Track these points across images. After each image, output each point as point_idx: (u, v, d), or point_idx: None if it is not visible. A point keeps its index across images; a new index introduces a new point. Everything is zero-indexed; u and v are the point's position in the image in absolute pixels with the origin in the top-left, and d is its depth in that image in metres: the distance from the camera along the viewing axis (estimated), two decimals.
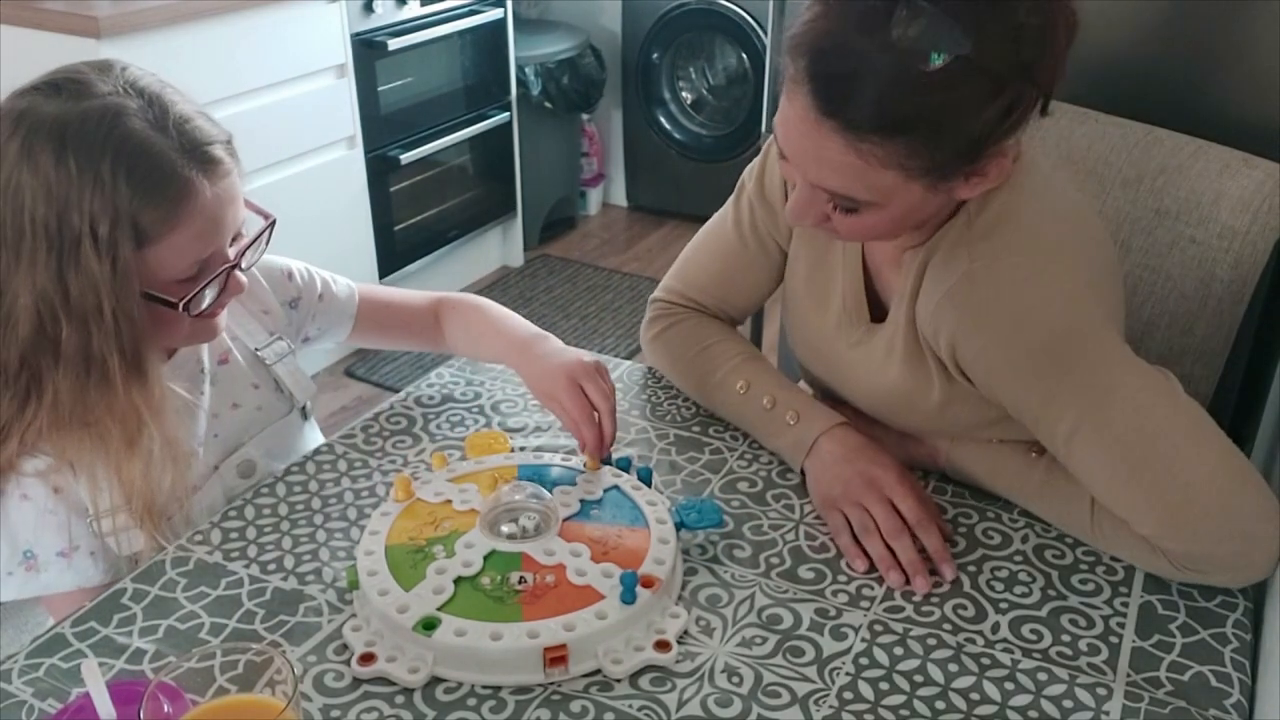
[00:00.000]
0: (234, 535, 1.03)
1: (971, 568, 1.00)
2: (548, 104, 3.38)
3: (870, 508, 1.01)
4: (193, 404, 1.09)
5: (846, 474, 1.04)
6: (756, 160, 1.17)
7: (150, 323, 0.99)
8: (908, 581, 0.97)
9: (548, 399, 1.13)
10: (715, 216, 1.23)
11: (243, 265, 1.04)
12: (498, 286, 3.37)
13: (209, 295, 1.02)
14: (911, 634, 0.92)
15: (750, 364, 1.18)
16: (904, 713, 0.85)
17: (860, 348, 1.10)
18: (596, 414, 1.08)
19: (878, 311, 1.09)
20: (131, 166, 0.93)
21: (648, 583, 0.92)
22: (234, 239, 1.03)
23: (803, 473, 1.10)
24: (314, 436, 1.25)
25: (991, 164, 0.90)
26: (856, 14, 0.83)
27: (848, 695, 0.86)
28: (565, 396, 1.09)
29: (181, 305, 0.99)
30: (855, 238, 1.01)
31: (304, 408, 1.22)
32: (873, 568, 0.99)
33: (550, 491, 1.02)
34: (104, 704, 0.75)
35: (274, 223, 1.07)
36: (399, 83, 2.90)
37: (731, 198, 1.20)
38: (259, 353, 1.17)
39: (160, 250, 0.96)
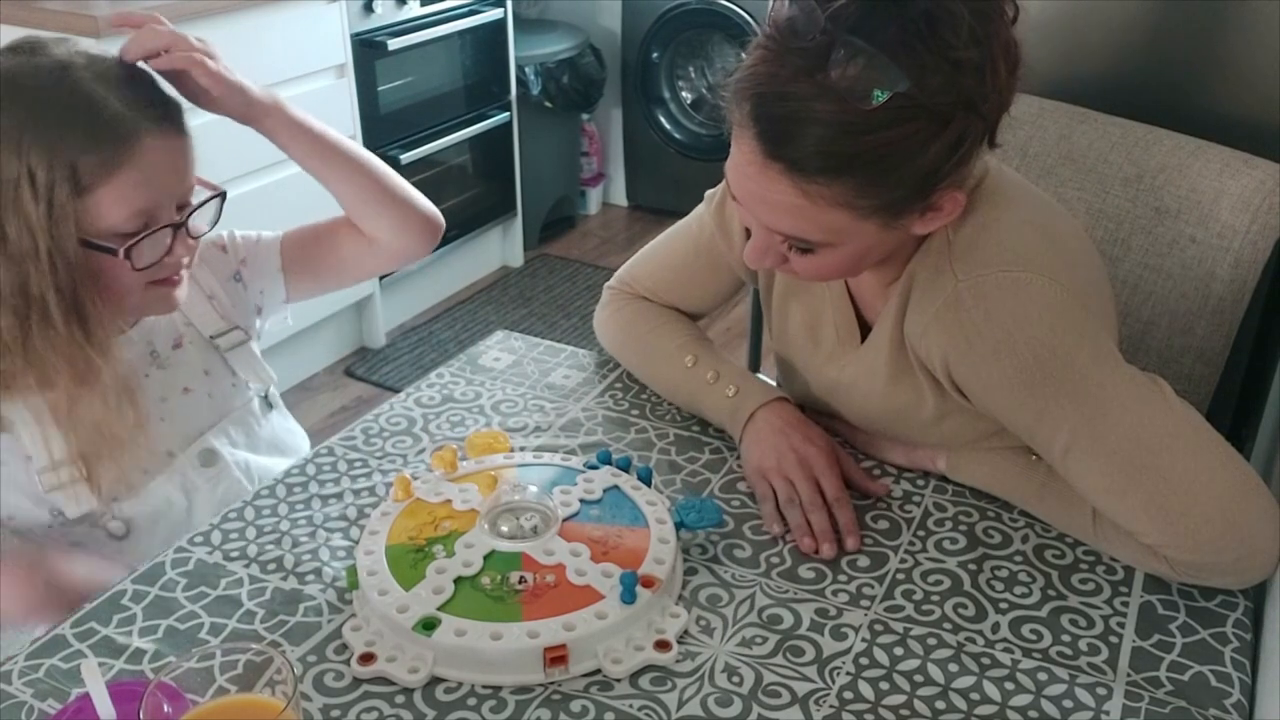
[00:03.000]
0: (234, 535, 1.03)
1: (972, 567, 1.00)
2: (548, 104, 3.38)
3: (797, 483, 1.04)
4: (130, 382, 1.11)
5: (782, 448, 1.07)
6: (720, 186, 1.16)
7: (95, 276, 1.01)
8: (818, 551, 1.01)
9: None
10: (679, 223, 1.24)
11: (191, 229, 1.06)
12: (498, 286, 3.37)
13: (150, 247, 1.02)
14: (911, 634, 0.92)
15: (700, 343, 1.21)
16: (904, 713, 0.85)
17: (849, 370, 1.10)
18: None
19: (866, 334, 1.09)
20: (74, 115, 0.97)
21: (648, 583, 0.92)
22: (184, 208, 1.05)
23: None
24: (285, 425, 1.26)
25: (945, 199, 0.90)
26: (796, 57, 0.84)
27: (848, 695, 0.86)
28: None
29: (123, 252, 1.00)
30: (815, 278, 1.02)
31: (266, 395, 1.23)
32: (836, 554, 1.00)
33: (550, 491, 1.02)
34: (104, 704, 0.75)
35: (223, 193, 1.10)
36: (399, 82, 2.90)
37: (695, 210, 1.22)
38: (215, 340, 1.19)
39: (100, 197, 0.98)
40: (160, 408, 1.14)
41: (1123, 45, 1.41)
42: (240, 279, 1.23)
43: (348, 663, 0.88)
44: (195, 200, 1.08)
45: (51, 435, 1.06)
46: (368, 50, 2.74)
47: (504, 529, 0.97)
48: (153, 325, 1.15)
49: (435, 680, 0.87)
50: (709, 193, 1.20)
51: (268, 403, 1.23)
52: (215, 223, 1.11)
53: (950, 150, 0.86)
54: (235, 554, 1.01)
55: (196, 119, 1.09)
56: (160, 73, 1.07)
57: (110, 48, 1.08)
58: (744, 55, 0.90)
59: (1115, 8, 1.40)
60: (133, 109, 0.99)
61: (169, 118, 1.03)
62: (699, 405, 1.18)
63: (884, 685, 0.87)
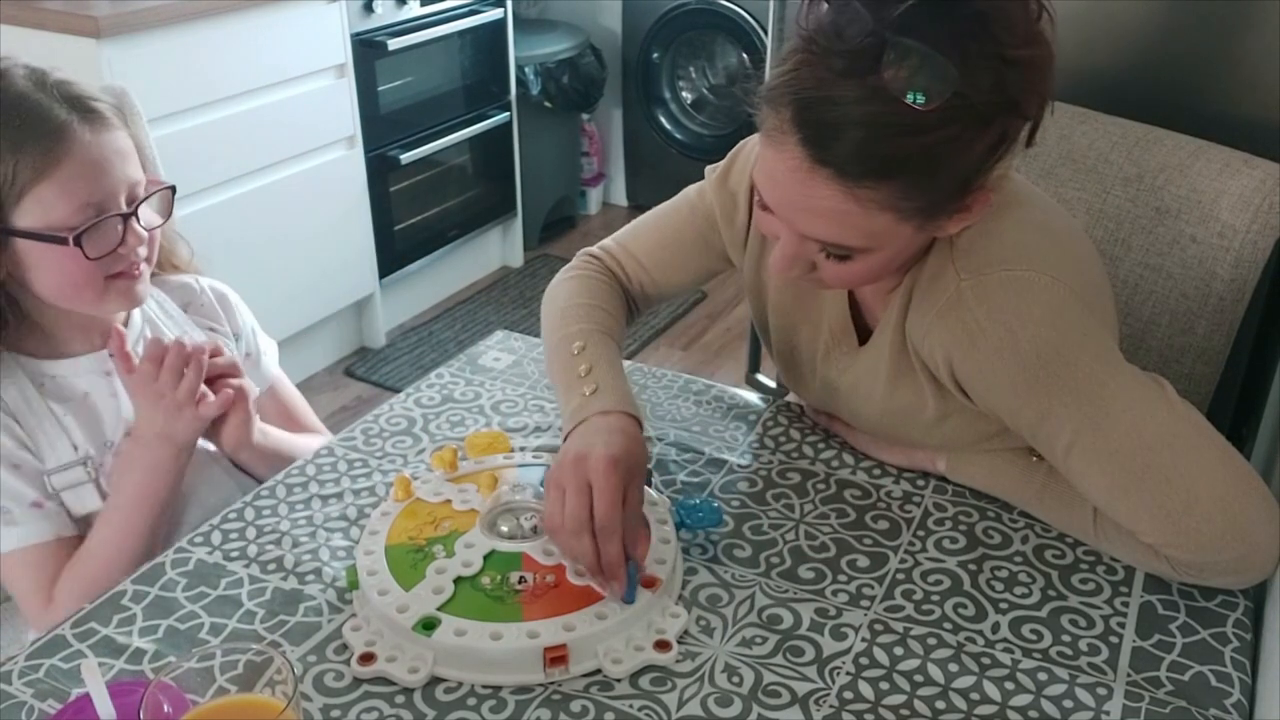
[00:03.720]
0: (234, 535, 1.03)
1: (972, 567, 1.00)
2: (548, 104, 3.38)
3: (567, 494, 0.92)
4: (105, 395, 1.12)
5: (574, 449, 0.95)
6: (722, 163, 1.15)
7: (50, 274, 1.04)
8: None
9: None
10: (675, 198, 1.21)
11: (142, 220, 1.07)
12: (498, 286, 3.36)
13: (102, 236, 1.04)
14: (912, 634, 0.92)
15: (602, 336, 1.11)
16: (904, 713, 0.85)
17: (849, 373, 1.10)
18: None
19: (865, 337, 1.09)
20: (9, 115, 1.00)
21: (648, 583, 0.92)
22: (135, 202, 1.07)
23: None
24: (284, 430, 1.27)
25: (977, 199, 0.90)
26: (842, 60, 0.83)
27: (848, 695, 0.86)
28: None
29: (73, 239, 1.01)
30: (841, 285, 1.01)
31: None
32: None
33: None
34: (104, 704, 0.75)
35: (172, 187, 1.12)
36: (399, 83, 2.90)
37: (693, 185, 1.19)
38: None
39: (42, 193, 1.01)
40: None
41: (1123, 45, 1.41)
42: (239, 340, 1.28)
43: (348, 663, 0.88)
44: (143, 192, 1.09)
45: (59, 438, 1.08)
46: (368, 50, 2.74)
47: (504, 529, 0.98)
48: (140, 335, 1.16)
49: (435, 680, 0.87)
50: (709, 168, 1.17)
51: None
52: (167, 217, 1.14)
53: (992, 149, 0.86)
54: (235, 554, 1.01)
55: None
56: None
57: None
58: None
59: (1116, 7, 1.40)
60: (65, 105, 1.02)
61: (103, 114, 1.05)
62: (560, 394, 1.08)
63: (884, 685, 0.87)
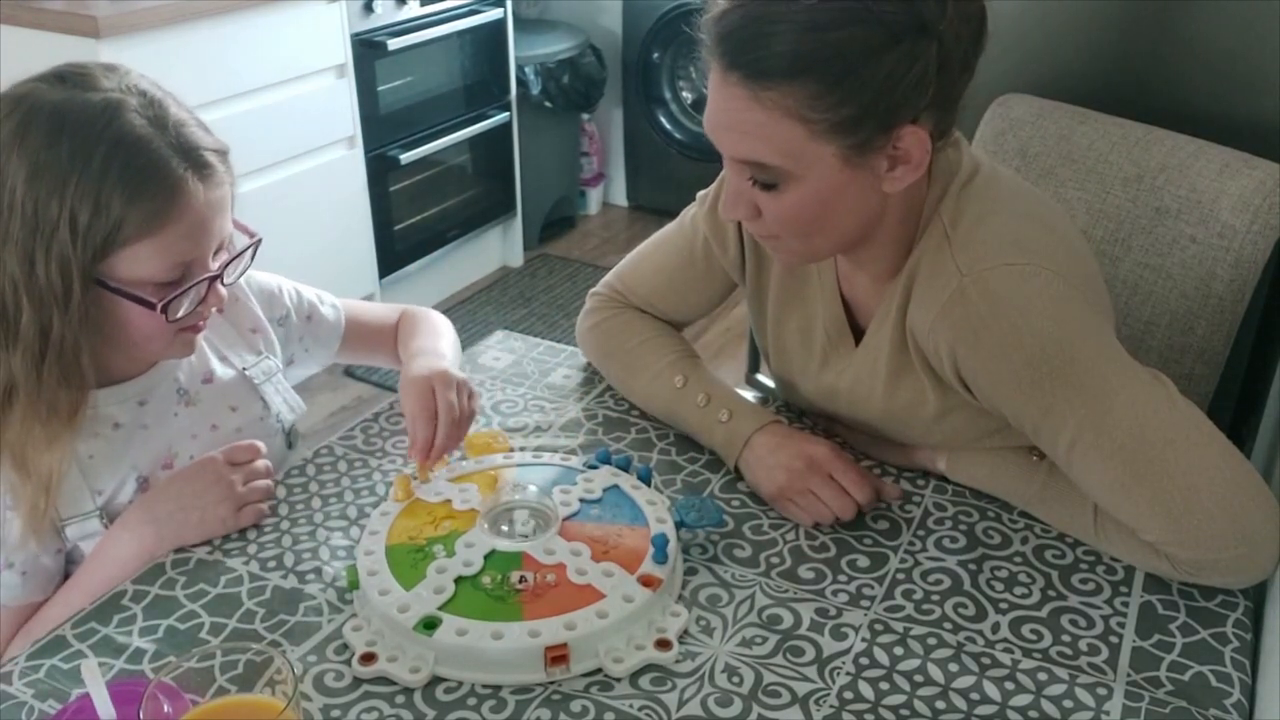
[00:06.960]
0: (234, 534, 1.03)
1: (972, 567, 1.00)
2: (548, 104, 3.38)
3: (818, 491, 1.03)
4: (135, 427, 1.07)
5: (785, 460, 1.05)
6: (711, 187, 1.17)
7: (125, 324, 0.98)
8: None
9: (403, 397, 1.09)
10: (668, 227, 1.24)
11: (225, 279, 1.02)
12: (498, 286, 3.36)
13: (187, 301, 0.99)
14: (911, 634, 0.92)
15: (688, 361, 1.19)
16: (904, 713, 0.85)
17: (847, 374, 1.10)
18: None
19: (860, 338, 1.09)
20: (125, 161, 0.93)
21: (648, 582, 0.92)
22: (218, 252, 1.02)
23: (738, 471, 1.11)
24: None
25: (909, 141, 0.89)
26: None
27: (848, 695, 0.86)
28: (414, 396, 1.07)
29: (160, 307, 0.96)
30: (791, 233, 0.97)
31: (289, 434, 1.20)
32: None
33: (550, 491, 1.02)
34: (104, 704, 0.75)
35: (259, 241, 1.06)
36: (399, 82, 2.90)
37: (680, 218, 1.22)
38: (247, 372, 1.15)
39: (143, 248, 0.95)
40: (190, 445, 1.10)
41: (1123, 46, 1.42)
42: (284, 324, 1.22)
43: (348, 663, 0.88)
44: (230, 243, 1.04)
45: (78, 485, 1.02)
46: (368, 50, 2.74)
47: (504, 528, 0.98)
48: (179, 362, 1.10)
49: (435, 680, 0.87)
50: (701, 194, 1.19)
51: (289, 440, 1.20)
52: (248, 268, 1.08)
53: (903, 67, 0.86)
54: (235, 553, 1.01)
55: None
56: None
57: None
58: None
59: (1118, 8, 1.40)
60: (182, 156, 0.95)
61: (214, 167, 0.98)
62: (687, 426, 1.16)
63: (884, 685, 0.87)
